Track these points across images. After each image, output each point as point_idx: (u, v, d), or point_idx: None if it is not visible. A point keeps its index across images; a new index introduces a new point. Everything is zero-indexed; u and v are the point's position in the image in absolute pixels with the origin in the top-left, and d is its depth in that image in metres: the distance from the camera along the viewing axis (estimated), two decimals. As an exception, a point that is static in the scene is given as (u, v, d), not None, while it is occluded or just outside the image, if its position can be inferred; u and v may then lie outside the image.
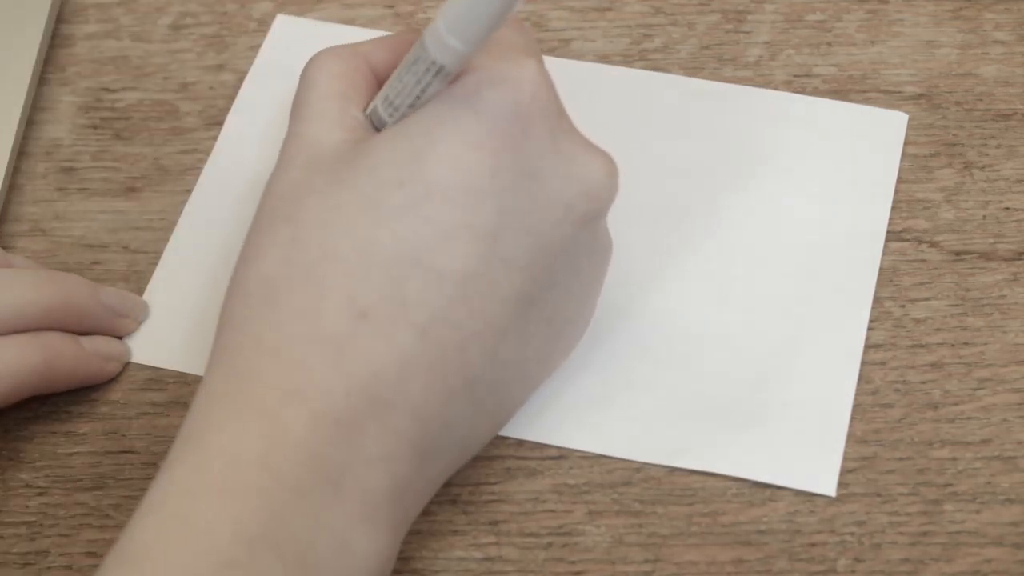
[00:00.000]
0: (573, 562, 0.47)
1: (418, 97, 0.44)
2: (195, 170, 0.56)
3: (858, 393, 0.50)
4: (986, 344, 0.51)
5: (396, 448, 0.42)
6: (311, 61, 0.48)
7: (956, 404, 0.50)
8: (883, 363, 0.50)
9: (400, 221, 0.43)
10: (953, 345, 0.51)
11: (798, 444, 0.49)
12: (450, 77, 0.44)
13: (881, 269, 0.52)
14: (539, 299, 0.45)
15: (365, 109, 0.47)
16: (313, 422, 0.41)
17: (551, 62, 0.58)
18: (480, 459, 0.48)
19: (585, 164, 0.45)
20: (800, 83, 0.57)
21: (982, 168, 0.54)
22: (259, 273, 0.44)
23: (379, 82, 0.48)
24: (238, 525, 0.40)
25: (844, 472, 0.48)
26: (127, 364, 0.52)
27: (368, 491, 0.42)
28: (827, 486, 0.48)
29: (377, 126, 0.46)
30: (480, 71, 0.44)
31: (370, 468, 0.42)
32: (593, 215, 0.45)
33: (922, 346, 0.51)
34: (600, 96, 0.57)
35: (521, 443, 0.49)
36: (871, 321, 0.51)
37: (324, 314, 0.42)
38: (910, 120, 0.55)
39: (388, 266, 0.43)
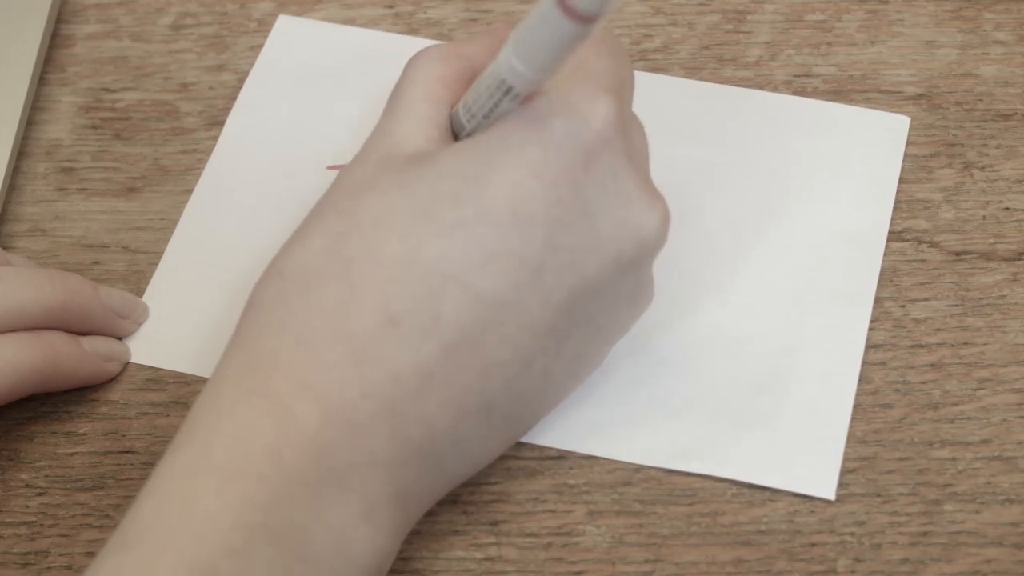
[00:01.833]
0: (573, 562, 0.47)
1: (491, 110, 0.44)
2: (195, 170, 0.56)
3: (858, 393, 0.50)
4: (986, 344, 0.51)
5: (404, 455, 0.42)
6: (415, 60, 0.48)
7: (956, 404, 0.50)
8: (883, 363, 0.50)
9: (448, 237, 0.43)
10: (953, 345, 0.51)
11: (798, 447, 0.49)
12: (520, 98, 0.43)
13: (881, 269, 0.52)
14: (570, 336, 0.45)
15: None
16: (325, 418, 0.41)
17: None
18: (480, 459, 0.49)
19: (641, 210, 0.44)
20: (800, 83, 0.57)
21: (982, 168, 0.54)
22: (300, 259, 0.44)
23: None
24: (239, 512, 0.40)
25: (844, 472, 0.48)
26: (127, 364, 0.52)
27: (371, 493, 0.42)
28: (826, 490, 0.48)
29: (457, 129, 0.46)
30: (553, 98, 0.44)
31: (376, 471, 0.42)
32: (640, 262, 0.45)
33: (922, 346, 0.51)
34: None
35: (521, 444, 0.49)
36: (871, 321, 0.51)
37: (354, 313, 0.42)
38: (910, 121, 0.55)
39: (427, 278, 0.42)
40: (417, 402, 0.42)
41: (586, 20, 0.40)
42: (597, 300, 0.45)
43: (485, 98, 0.44)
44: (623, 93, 0.45)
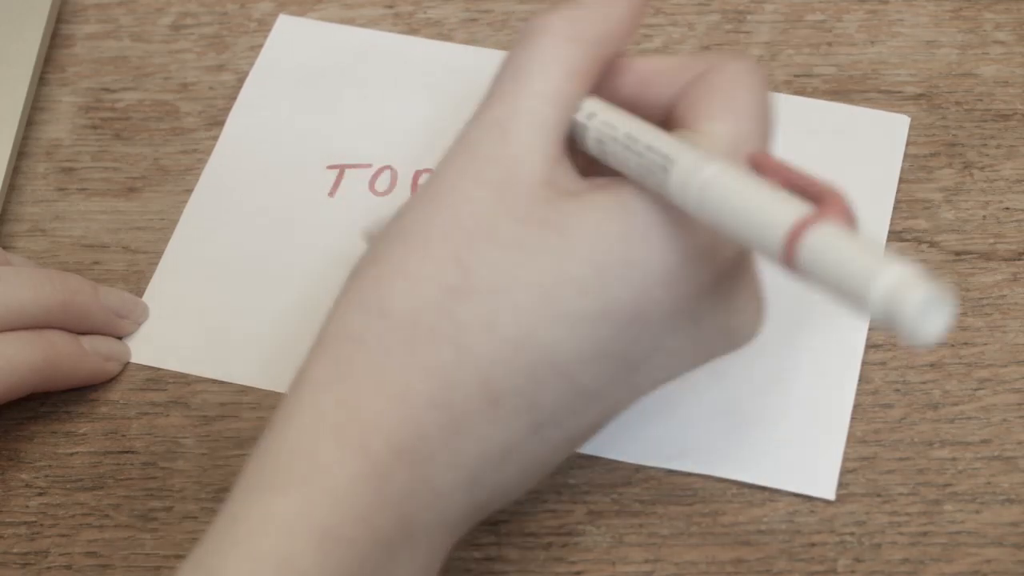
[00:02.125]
0: (573, 562, 0.47)
1: (631, 171, 0.41)
2: (195, 170, 0.56)
3: (858, 393, 0.50)
4: (986, 344, 0.51)
5: (471, 514, 0.42)
6: (549, 38, 0.41)
7: (956, 404, 0.50)
8: (883, 363, 0.50)
9: (564, 328, 0.41)
10: (953, 345, 0.51)
11: (797, 448, 0.49)
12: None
13: (881, 269, 0.52)
14: (631, 403, 0.44)
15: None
16: (413, 487, 0.40)
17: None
18: (480, 459, 0.49)
19: (746, 321, 0.43)
20: (800, 83, 0.57)
21: (982, 168, 0.54)
22: (408, 304, 0.41)
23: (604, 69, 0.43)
24: (326, 573, 0.39)
25: (844, 472, 0.48)
26: (127, 364, 0.52)
27: (436, 546, 0.41)
28: (826, 490, 0.48)
29: (579, 140, 0.42)
30: None
31: (445, 530, 0.42)
32: (723, 357, 0.44)
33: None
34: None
35: (521, 443, 0.49)
36: (871, 321, 0.51)
37: (458, 385, 0.40)
38: (910, 120, 0.55)
39: (535, 365, 0.41)
40: (496, 473, 0.42)
41: (794, 271, 0.36)
42: (671, 380, 0.44)
43: (634, 169, 0.40)
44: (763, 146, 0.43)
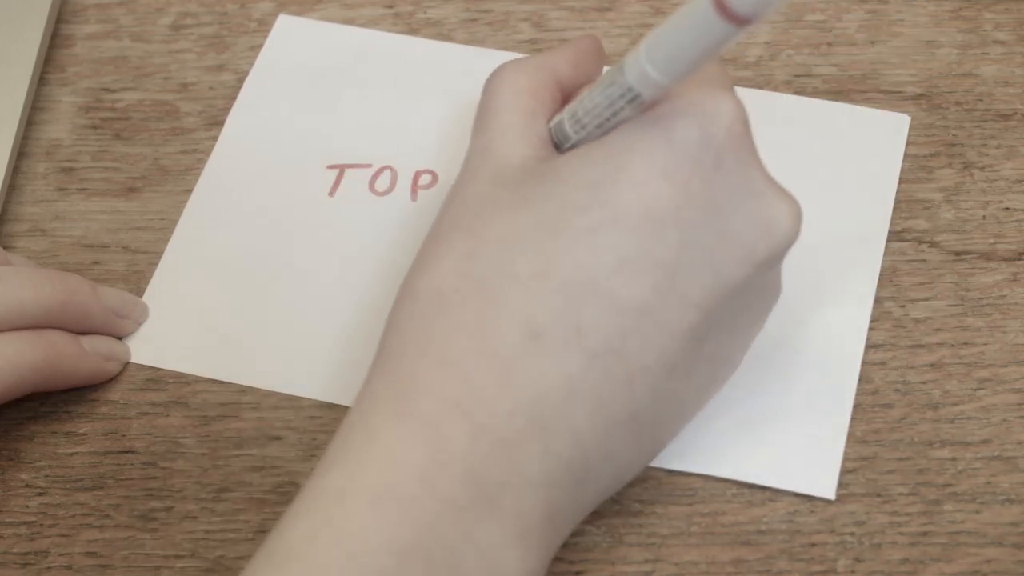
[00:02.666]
0: (573, 562, 0.47)
1: (608, 119, 0.44)
2: (195, 170, 0.56)
3: (858, 393, 0.50)
4: (986, 344, 0.51)
5: (554, 473, 0.42)
6: (497, 74, 0.47)
7: (956, 404, 0.50)
8: (883, 363, 0.50)
9: (581, 246, 0.42)
10: (953, 345, 0.51)
11: (798, 447, 0.49)
12: (645, 106, 0.43)
13: (881, 269, 0.52)
14: (708, 337, 0.44)
15: (549, 122, 0.46)
16: (474, 438, 0.41)
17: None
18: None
19: (772, 206, 0.43)
20: (800, 83, 0.57)
21: (982, 168, 0.54)
22: (432, 282, 0.43)
23: (564, 94, 0.47)
24: (390, 534, 0.39)
25: (844, 472, 0.48)
26: (127, 364, 0.52)
27: (523, 512, 0.41)
28: (826, 489, 0.48)
29: (559, 141, 0.46)
30: (675, 100, 0.43)
31: (527, 490, 0.41)
32: (772, 259, 0.44)
33: (922, 346, 0.51)
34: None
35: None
36: (871, 321, 0.51)
37: (495, 331, 0.42)
38: (910, 120, 0.55)
39: (565, 290, 0.42)
40: (565, 416, 0.41)
41: (742, 22, 0.38)
42: (733, 298, 0.44)
43: (603, 107, 0.43)
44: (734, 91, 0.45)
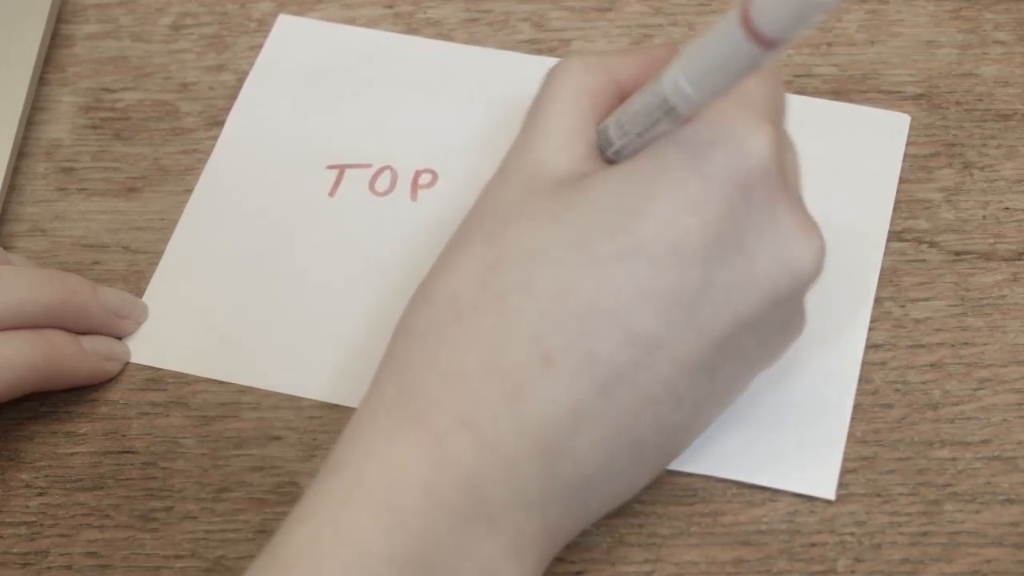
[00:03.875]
0: (573, 562, 0.47)
1: (647, 129, 0.43)
2: (195, 170, 0.56)
3: (858, 393, 0.50)
4: (986, 344, 0.51)
5: (555, 493, 0.42)
6: (563, 68, 0.46)
7: (956, 404, 0.50)
8: (883, 363, 0.50)
9: (604, 272, 0.41)
10: (953, 345, 0.51)
11: (798, 447, 0.49)
12: (681, 119, 0.42)
13: (881, 269, 0.52)
14: (721, 369, 0.44)
15: (599, 125, 0.45)
16: (479, 455, 0.41)
17: (550, 62, 0.58)
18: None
19: (797, 244, 0.43)
20: (800, 83, 0.57)
21: (982, 168, 0.54)
22: (450, 289, 0.43)
23: (623, 99, 0.46)
24: (392, 545, 0.39)
25: (844, 472, 0.48)
26: (127, 364, 0.52)
27: (521, 530, 0.41)
28: (826, 490, 0.48)
29: (603, 145, 0.45)
30: (712, 123, 0.42)
31: (526, 509, 0.41)
32: (793, 296, 0.44)
33: (922, 346, 0.51)
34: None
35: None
36: (871, 321, 0.51)
37: (507, 349, 0.41)
38: (910, 120, 0.55)
39: (582, 315, 0.41)
40: (570, 441, 0.41)
41: (770, 45, 0.38)
42: (750, 334, 0.43)
43: (643, 116, 0.42)
44: (779, 119, 0.44)
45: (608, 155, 0.45)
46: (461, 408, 0.41)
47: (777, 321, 0.44)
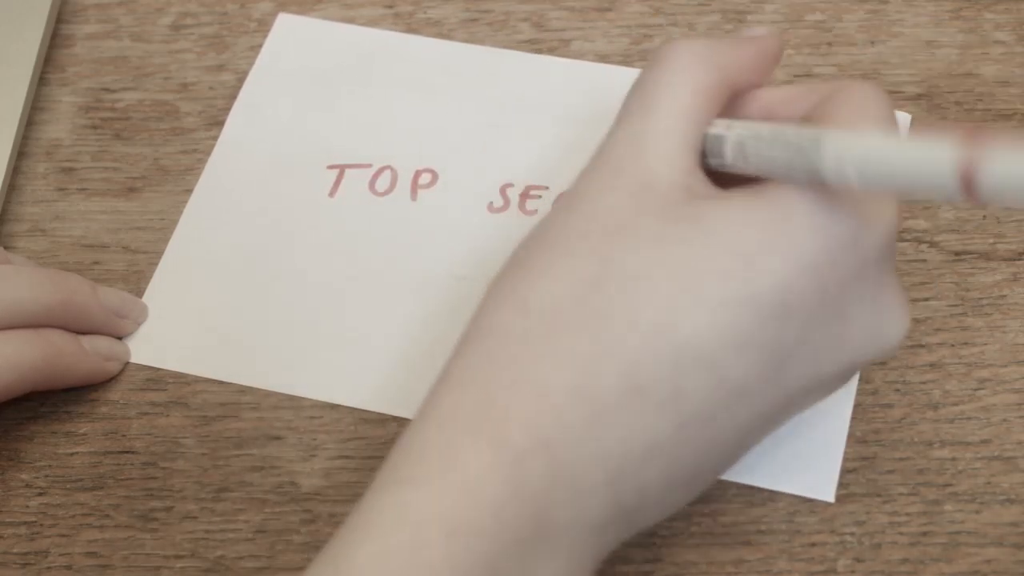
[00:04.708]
0: (573, 562, 0.47)
1: (774, 171, 0.41)
2: (195, 170, 0.56)
3: (858, 393, 0.50)
4: (986, 344, 0.51)
5: (614, 519, 0.41)
6: (678, 59, 0.43)
7: (956, 404, 0.50)
8: (883, 363, 0.50)
9: (708, 314, 0.40)
10: (953, 345, 0.51)
11: (798, 449, 0.49)
12: (819, 185, 0.40)
13: (881, 269, 0.52)
14: (784, 416, 0.43)
15: (707, 128, 0.43)
16: (554, 478, 0.40)
17: (551, 61, 0.58)
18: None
19: (892, 321, 0.43)
20: (800, 83, 0.57)
21: (982, 168, 0.54)
22: (548, 297, 0.41)
23: (733, 98, 0.44)
24: (460, 568, 0.38)
25: (844, 472, 0.48)
26: (127, 364, 0.52)
27: (578, 552, 0.41)
28: (826, 492, 0.48)
29: (711, 152, 0.43)
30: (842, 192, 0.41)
31: (587, 533, 0.41)
32: (870, 364, 0.44)
33: (922, 346, 0.51)
34: (600, 96, 0.57)
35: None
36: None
37: (599, 374, 0.40)
38: (910, 120, 0.55)
39: (679, 353, 0.40)
40: (639, 471, 0.41)
41: (976, 200, 0.37)
42: (816, 392, 0.43)
43: (779, 164, 0.41)
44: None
45: (711, 163, 0.43)
46: (544, 429, 0.40)
47: (842, 378, 0.44)
